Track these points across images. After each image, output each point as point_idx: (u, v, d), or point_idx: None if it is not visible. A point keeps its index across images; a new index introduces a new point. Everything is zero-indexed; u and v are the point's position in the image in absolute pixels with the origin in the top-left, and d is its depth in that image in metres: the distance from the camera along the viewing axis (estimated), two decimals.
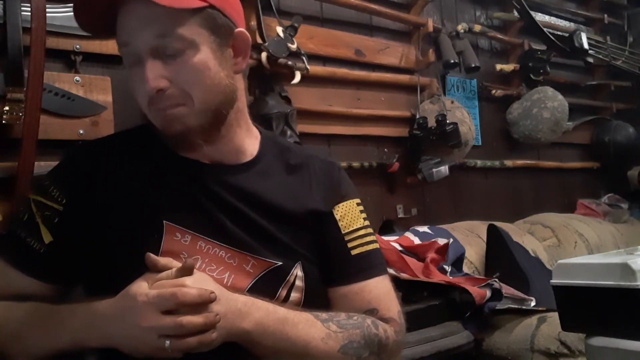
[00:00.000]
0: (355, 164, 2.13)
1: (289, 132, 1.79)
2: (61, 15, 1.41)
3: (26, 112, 1.25)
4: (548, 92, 2.78)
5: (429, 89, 2.44)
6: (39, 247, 0.89)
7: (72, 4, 0.85)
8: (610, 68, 3.31)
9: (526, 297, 1.83)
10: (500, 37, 2.82)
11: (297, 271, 0.93)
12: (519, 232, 2.39)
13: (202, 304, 0.78)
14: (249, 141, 0.99)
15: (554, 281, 1.25)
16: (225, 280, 0.88)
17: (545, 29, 2.85)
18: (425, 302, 1.63)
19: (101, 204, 0.90)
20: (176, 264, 0.82)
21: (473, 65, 2.48)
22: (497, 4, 2.89)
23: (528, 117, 2.75)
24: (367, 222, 1.03)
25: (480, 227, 2.28)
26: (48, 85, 1.35)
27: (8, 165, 1.28)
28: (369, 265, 0.99)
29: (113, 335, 0.80)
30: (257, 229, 0.92)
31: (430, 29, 2.39)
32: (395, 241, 1.90)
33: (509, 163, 2.81)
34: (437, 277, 1.74)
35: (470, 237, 2.21)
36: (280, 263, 0.92)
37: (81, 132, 1.43)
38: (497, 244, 2.13)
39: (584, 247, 2.52)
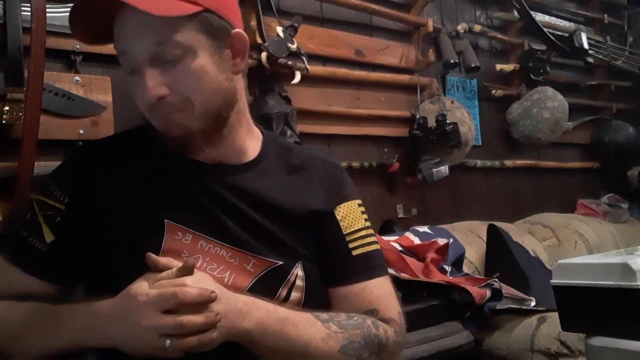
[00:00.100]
0: (355, 164, 2.13)
1: (289, 132, 1.79)
2: (61, 15, 1.40)
3: (26, 112, 1.25)
4: (548, 92, 2.78)
5: (429, 89, 2.44)
6: (41, 246, 0.89)
7: (72, 4, 0.85)
8: (610, 68, 3.31)
9: (526, 297, 1.83)
10: (500, 37, 2.82)
11: (298, 271, 0.93)
12: (519, 232, 2.39)
13: (202, 304, 0.78)
14: (250, 141, 1.00)
15: (554, 281, 1.25)
16: (226, 279, 0.88)
17: (545, 29, 2.85)
18: (425, 302, 1.63)
19: (102, 203, 0.90)
20: (177, 264, 0.82)
21: (473, 65, 2.48)
22: (497, 4, 2.89)
23: (528, 117, 2.75)
24: (368, 223, 1.03)
25: (480, 227, 2.28)
26: (48, 85, 1.35)
27: (8, 165, 1.28)
28: (370, 265, 0.99)
29: (113, 335, 0.80)
30: (258, 229, 0.92)
31: (430, 29, 2.39)
32: (395, 241, 1.90)
33: (509, 163, 2.81)
34: (437, 277, 1.74)
35: (470, 237, 2.21)
36: (281, 263, 0.92)
37: (81, 132, 1.43)
38: (497, 244, 2.13)
39: (584, 247, 2.52)
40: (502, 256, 2.09)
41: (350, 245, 0.99)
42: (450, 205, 2.54)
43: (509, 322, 1.76)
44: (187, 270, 0.80)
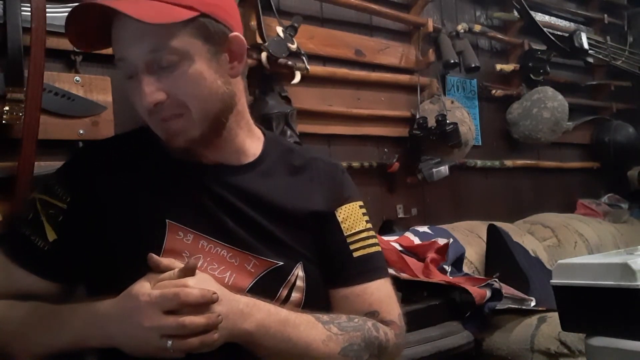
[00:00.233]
0: (355, 164, 2.13)
1: (289, 132, 1.79)
2: (61, 15, 1.40)
3: (26, 112, 1.25)
4: (548, 92, 2.77)
5: (429, 89, 2.44)
6: (43, 245, 0.90)
7: (72, 4, 0.85)
8: (610, 68, 3.31)
9: (526, 297, 1.83)
10: (500, 37, 2.82)
11: (298, 271, 0.93)
12: (519, 232, 2.40)
13: (204, 305, 0.78)
14: (251, 142, 1.00)
15: (554, 281, 1.25)
16: (227, 279, 0.88)
17: (545, 29, 2.85)
18: (425, 302, 1.64)
19: (104, 203, 0.90)
20: (178, 265, 0.82)
21: (473, 65, 2.48)
22: (497, 4, 2.89)
23: (528, 117, 2.75)
24: (369, 225, 1.03)
25: (480, 227, 2.28)
26: (48, 85, 1.35)
27: (8, 165, 1.28)
28: (371, 267, 1.00)
29: (115, 335, 0.80)
30: (259, 229, 0.92)
31: (430, 29, 2.39)
32: (395, 241, 1.90)
33: (509, 163, 2.81)
34: (437, 277, 1.74)
35: (470, 237, 2.21)
36: (282, 263, 0.92)
37: (81, 132, 1.43)
38: (497, 244, 2.13)
39: (584, 247, 2.52)
40: (502, 256, 2.09)
41: (352, 247, 0.99)
42: (450, 205, 2.54)
43: (509, 322, 1.76)
44: (189, 271, 0.81)
